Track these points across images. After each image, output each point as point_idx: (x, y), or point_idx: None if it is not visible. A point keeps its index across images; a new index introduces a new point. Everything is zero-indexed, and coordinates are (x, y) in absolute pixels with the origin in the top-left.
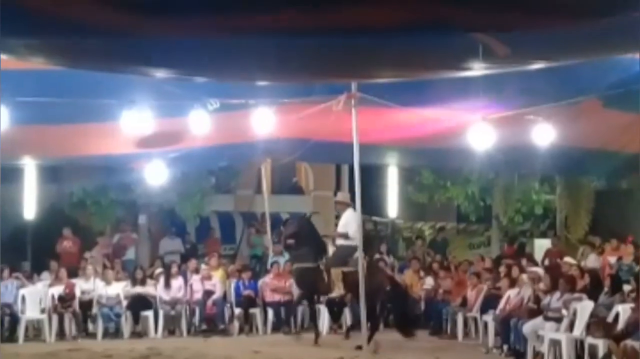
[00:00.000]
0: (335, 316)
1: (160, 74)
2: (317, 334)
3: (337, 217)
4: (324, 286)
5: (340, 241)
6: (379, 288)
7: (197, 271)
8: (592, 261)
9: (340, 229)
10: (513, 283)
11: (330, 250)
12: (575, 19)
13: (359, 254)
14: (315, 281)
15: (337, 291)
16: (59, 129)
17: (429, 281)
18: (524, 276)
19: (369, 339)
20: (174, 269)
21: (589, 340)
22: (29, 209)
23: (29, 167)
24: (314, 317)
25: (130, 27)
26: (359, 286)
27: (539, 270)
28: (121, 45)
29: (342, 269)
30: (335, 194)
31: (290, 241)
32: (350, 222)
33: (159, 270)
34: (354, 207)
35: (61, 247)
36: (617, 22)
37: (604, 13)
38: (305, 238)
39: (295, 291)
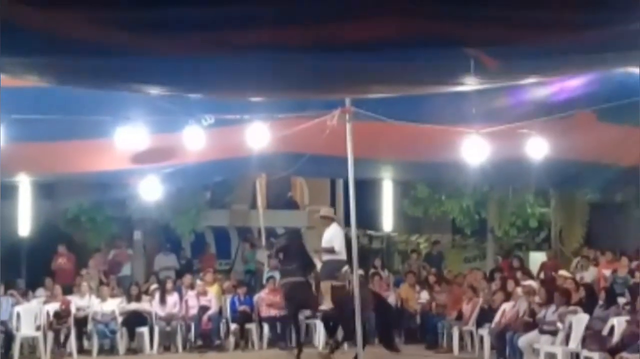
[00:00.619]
0: (331, 331)
1: (154, 91)
2: (300, 349)
3: None
4: (313, 300)
5: (327, 256)
6: (364, 303)
7: (192, 286)
8: (591, 274)
9: (325, 244)
10: (508, 296)
11: (318, 265)
12: (570, 33)
13: (354, 269)
14: (304, 295)
15: (326, 304)
16: (54, 145)
17: (424, 295)
18: (519, 289)
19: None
20: (169, 285)
21: (585, 353)
22: (24, 226)
23: (24, 184)
24: (298, 332)
25: (125, 45)
26: (354, 301)
27: (534, 283)
28: (116, 63)
29: (332, 283)
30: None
31: (280, 255)
32: (335, 236)
33: (154, 286)
34: (338, 222)
35: (56, 264)
36: (614, 35)
37: (600, 26)
38: (294, 253)
39: None
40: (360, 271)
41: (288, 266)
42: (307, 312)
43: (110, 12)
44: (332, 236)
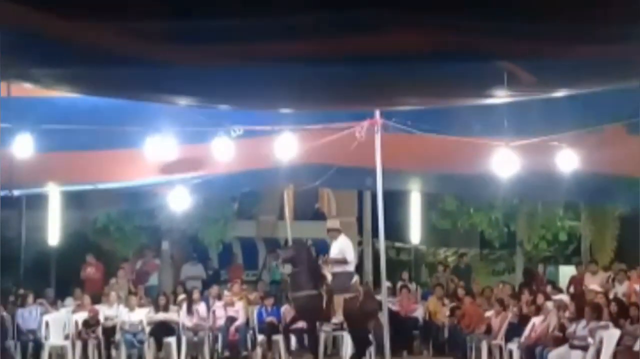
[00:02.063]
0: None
1: (184, 102)
2: None
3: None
4: (325, 313)
5: (337, 268)
6: (372, 314)
7: (219, 297)
8: (625, 287)
9: (336, 255)
10: (538, 311)
11: (328, 276)
12: (600, 46)
13: (382, 282)
14: (317, 308)
15: (338, 317)
16: (83, 155)
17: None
18: (549, 304)
19: None
20: (196, 295)
21: None
22: (53, 236)
23: (53, 193)
24: (315, 345)
25: (156, 56)
26: (364, 313)
27: (564, 297)
28: (145, 74)
29: (344, 296)
30: (358, 220)
31: (288, 267)
32: (346, 247)
33: (182, 296)
34: (346, 233)
35: (85, 274)
36: None
37: (630, 39)
38: (303, 264)
39: None
40: (388, 284)
41: (298, 279)
42: (336, 324)
43: (140, 23)
44: (343, 247)
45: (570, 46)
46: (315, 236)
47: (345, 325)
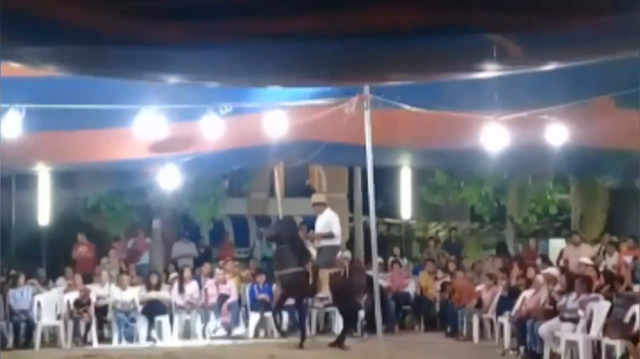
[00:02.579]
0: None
1: (172, 79)
2: (304, 337)
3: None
4: (311, 289)
5: (323, 242)
6: (360, 289)
7: (211, 275)
8: (615, 259)
9: (322, 229)
10: (528, 284)
11: (312, 252)
12: (592, 17)
13: (374, 257)
14: (303, 284)
15: (324, 292)
16: (72, 135)
17: (443, 282)
18: (540, 277)
19: (339, 341)
20: (187, 273)
21: (606, 341)
22: (44, 216)
23: (43, 173)
24: (302, 321)
25: (143, 33)
26: (351, 287)
27: (554, 271)
28: (134, 52)
29: (329, 271)
30: (348, 196)
31: (273, 244)
32: (332, 221)
33: (173, 275)
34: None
35: (77, 253)
36: (635, 19)
37: (621, 9)
38: (287, 241)
39: None
40: (380, 259)
41: (283, 256)
42: (327, 300)
43: (127, 1)
44: (329, 220)
45: (560, 18)
46: (306, 212)
47: (334, 300)
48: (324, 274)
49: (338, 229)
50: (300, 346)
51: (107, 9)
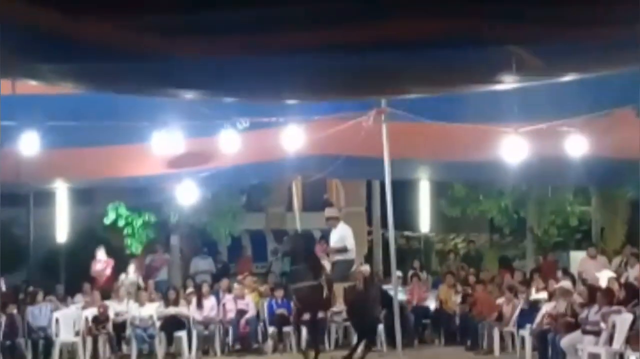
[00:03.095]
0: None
1: (190, 95)
2: (317, 352)
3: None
4: (326, 303)
5: (337, 256)
6: (375, 303)
7: (229, 290)
8: (636, 271)
9: (335, 244)
10: (549, 297)
11: (327, 266)
12: (611, 28)
13: (392, 271)
14: (318, 299)
15: (338, 306)
16: (90, 151)
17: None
18: (561, 290)
19: (350, 356)
20: (205, 288)
21: (629, 353)
22: (62, 232)
23: (61, 190)
24: (315, 336)
25: (160, 50)
26: (366, 301)
27: (568, 284)
28: (151, 68)
29: (344, 285)
30: (367, 210)
31: (287, 260)
32: (345, 235)
33: (190, 290)
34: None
35: (95, 270)
36: None
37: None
38: (301, 255)
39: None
40: (399, 273)
41: (297, 270)
42: (334, 313)
43: (145, 18)
44: (342, 234)
45: (579, 29)
46: (325, 226)
47: (348, 314)
48: (339, 288)
49: (352, 243)
50: None
51: (123, 26)
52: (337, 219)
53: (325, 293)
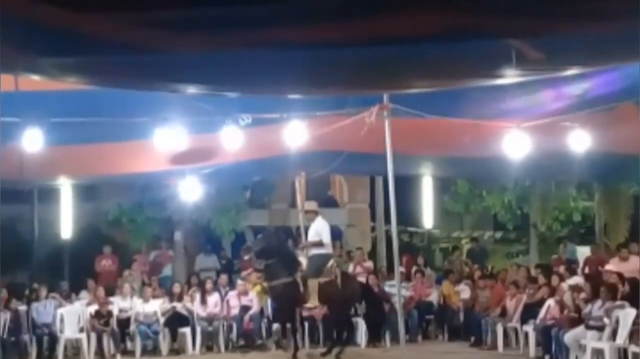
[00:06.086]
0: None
1: (192, 90)
2: (297, 348)
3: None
4: (301, 299)
5: (313, 251)
6: (353, 298)
7: (228, 285)
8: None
9: (312, 238)
10: (553, 292)
11: (303, 261)
12: (612, 23)
13: (395, 267)
14: (293, 295)
15: (313, 302)
16: (93, 148)
17: (466, 292)
18: (564, 285)
19: (338, 354)
20: (209, 285)
21: (633, 348)
22: (66, 229)
23: (65, 187)
24: (294, 333)
25: (162, 44)
26: (342, 296)
27: (579, 278)
28: (153, 62)
29: (319, 281)
30: (370, 206)
31: (261, 259)
32: (322, 229)
33: (193, 287)
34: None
35: (100, 266)
36: None
37: None
38: (275, 253)
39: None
40: (402, 269)
41: (273, 268)
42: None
43: (147, 11)
44: (319, 229)
45: (580, 23)
46: (329, 222)
47: (355, 310)
48: (314, 284)
49: (327, 238)
50: (294, 357)
51: (126, 20)
52: (316, 212)
53: (300, 288)
